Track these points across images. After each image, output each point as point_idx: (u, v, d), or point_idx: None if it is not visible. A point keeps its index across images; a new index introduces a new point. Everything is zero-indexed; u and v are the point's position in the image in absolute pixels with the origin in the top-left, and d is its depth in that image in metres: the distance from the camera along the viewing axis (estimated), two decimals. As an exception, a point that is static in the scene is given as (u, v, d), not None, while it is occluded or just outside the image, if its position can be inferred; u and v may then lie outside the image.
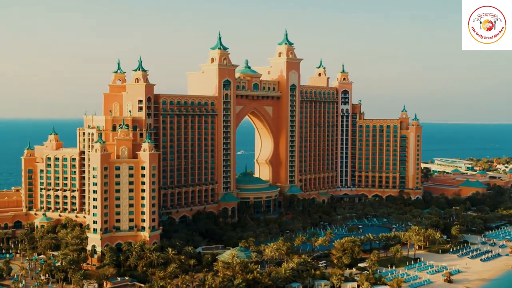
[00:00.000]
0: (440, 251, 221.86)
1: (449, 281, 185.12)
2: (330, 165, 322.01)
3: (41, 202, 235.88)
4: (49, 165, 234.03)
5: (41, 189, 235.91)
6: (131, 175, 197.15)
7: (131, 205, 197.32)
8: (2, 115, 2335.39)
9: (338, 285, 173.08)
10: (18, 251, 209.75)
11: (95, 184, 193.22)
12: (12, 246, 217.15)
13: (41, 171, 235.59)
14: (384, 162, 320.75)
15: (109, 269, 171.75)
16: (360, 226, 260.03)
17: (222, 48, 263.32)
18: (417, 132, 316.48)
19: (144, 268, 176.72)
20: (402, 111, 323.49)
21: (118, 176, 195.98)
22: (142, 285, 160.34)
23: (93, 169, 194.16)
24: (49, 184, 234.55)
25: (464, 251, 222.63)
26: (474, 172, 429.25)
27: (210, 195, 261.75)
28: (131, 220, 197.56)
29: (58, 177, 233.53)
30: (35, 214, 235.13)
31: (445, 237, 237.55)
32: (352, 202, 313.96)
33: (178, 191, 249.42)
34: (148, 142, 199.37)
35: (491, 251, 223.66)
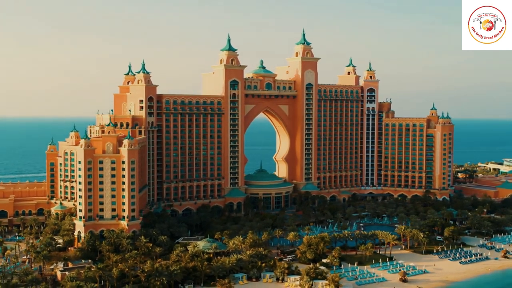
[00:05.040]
0: (423, 251, 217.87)
1: (404, 280, 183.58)
2: (354, 163, 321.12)
3: (60, 192, 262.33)
4: (66, 159, 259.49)
5: (60, 180, 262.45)
6: (113, 169, 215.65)
7: (113, 196, 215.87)
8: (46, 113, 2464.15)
9: (281, 278, 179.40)
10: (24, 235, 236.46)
11: (80, 176, 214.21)
12: (28, 230, 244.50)
13: (60, 164, 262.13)
14: (411, 162, 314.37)
15: (75, 252, 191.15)
16: (362, 225, 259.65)
17: (230, 49, 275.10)
18: (444, 131, 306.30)
19: (108, 253, 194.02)
20: (431, 109, 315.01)
21: (101, 169, 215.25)
22: (93, 265, 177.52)
23: (79, 162, 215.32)
24: (67, 176, 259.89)
25: (448, 252, 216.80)
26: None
27: (216, 190, 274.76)
28: (113, 210, 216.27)
29: (74, 170, 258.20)
30: (55, 202, 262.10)
31: (441, 238, 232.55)
32: (375, 201, 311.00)
33: (182, 185, 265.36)
34: (129, 139, 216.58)
35: (480, 254, 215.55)
